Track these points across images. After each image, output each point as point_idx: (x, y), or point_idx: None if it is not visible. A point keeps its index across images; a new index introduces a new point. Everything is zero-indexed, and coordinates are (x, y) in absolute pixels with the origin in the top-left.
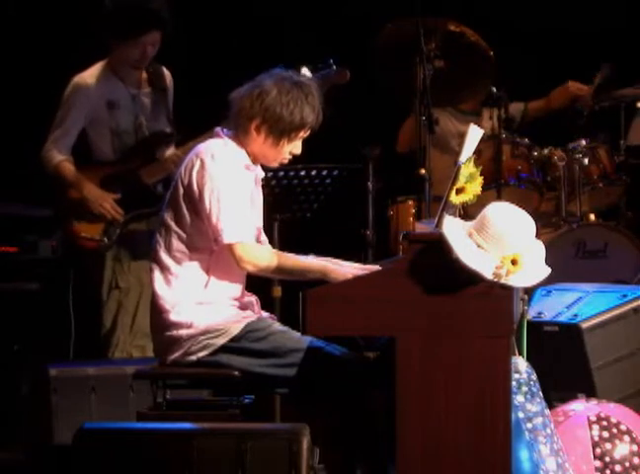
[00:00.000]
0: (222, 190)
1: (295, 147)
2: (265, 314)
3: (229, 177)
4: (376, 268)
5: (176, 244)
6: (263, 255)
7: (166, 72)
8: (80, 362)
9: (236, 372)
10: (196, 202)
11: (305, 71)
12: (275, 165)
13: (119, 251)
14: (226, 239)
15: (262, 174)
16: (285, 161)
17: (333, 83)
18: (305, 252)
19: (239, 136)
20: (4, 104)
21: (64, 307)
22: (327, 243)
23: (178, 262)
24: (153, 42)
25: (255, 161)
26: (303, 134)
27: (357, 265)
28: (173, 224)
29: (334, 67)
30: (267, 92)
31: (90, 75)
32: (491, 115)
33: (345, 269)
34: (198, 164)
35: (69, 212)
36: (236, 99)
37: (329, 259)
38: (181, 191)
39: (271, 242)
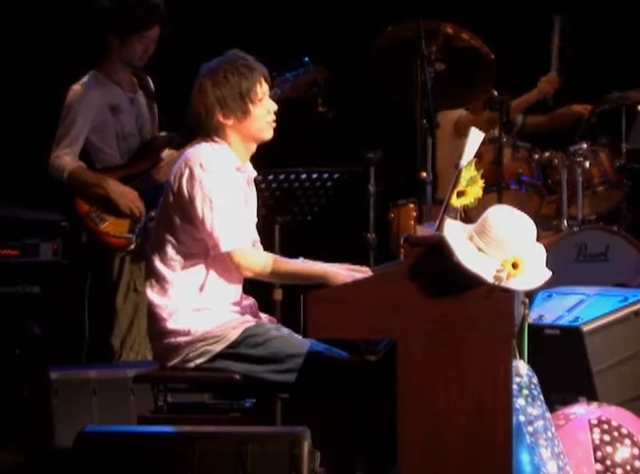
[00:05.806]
0: (214, 197)
1: (267, 104)
2: (264, 316)
3: (220, 183)
4: (367, 269)
5: (170, 252)
6: (259, 260)
7: (149, 78)
8: (81, 366)
9: (237, 375)
10: (188, 211)
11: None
12: (269, 135)
13: (137, 254)
14: (224, 248)
15: (254, 173)
16: (274, 124)
17: (313, 79)
18: (305, 254)
19: (219, 137)
20: (4, 105)
21: (75, 310)
22: (328, 246)
23: (173, 270)
24: (154, 38)
25: (249, 147)
26: (261, 90)
27: (351, 267)
28: (166, 233)
29: (310, 65)
30: (204, 84)
31: (89, 82)
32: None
33: (344, 272)
34: (187, 173)
35: (92, 214)
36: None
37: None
38: (171, 199)
39: (271, 245)
